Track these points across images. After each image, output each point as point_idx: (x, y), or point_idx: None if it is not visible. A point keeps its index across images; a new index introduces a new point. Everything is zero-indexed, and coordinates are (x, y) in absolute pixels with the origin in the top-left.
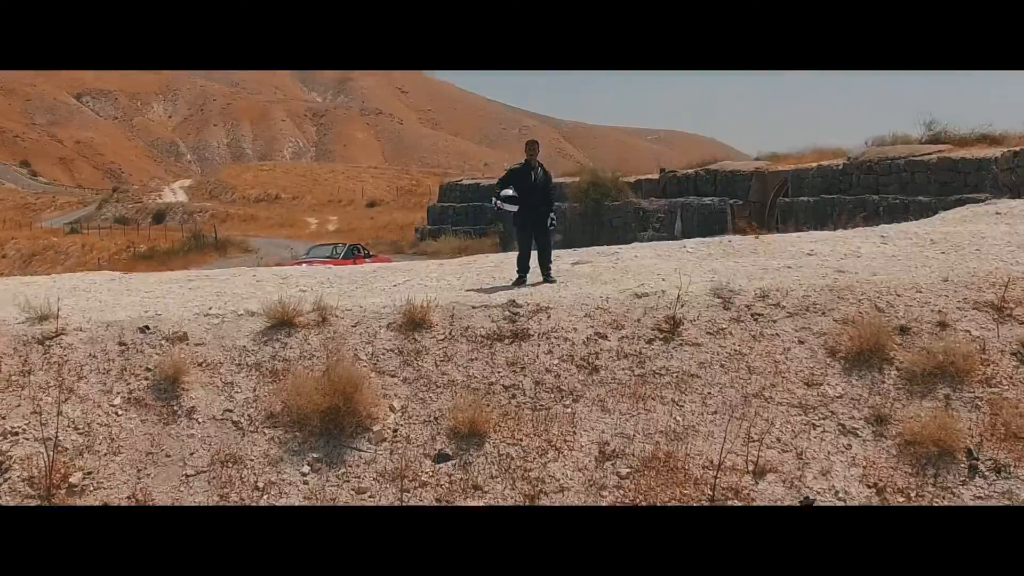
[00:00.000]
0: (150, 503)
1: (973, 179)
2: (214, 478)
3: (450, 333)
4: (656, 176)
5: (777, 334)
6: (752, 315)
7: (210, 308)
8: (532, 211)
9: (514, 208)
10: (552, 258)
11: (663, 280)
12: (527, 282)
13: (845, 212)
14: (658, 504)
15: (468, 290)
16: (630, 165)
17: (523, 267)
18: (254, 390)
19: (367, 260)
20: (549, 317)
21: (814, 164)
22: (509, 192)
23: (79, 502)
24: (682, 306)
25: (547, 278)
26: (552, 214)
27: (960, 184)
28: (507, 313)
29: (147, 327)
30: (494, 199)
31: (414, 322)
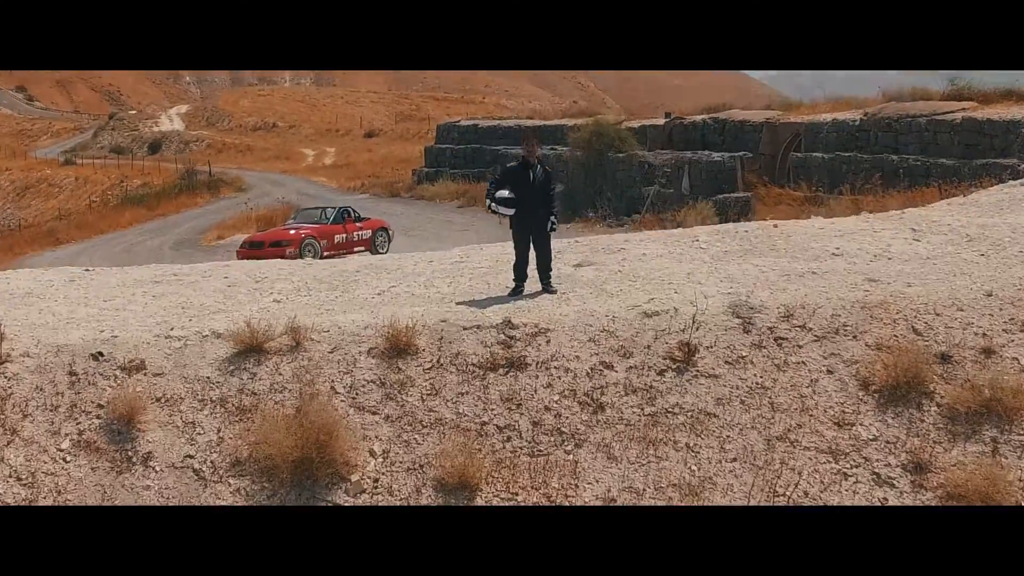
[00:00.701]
0: None
1: (1000, 142)
2: None
3: (438, 360)
4: (661, 122)
5: (803, 362)
6: (775, 339)
7: (172, 328)
8: (530, 215)
9: (510, 212)
10: (553, 262)
11: (675, 292)
12: (524, 292)
13: (862, 172)
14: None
15: (459, 303)
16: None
17: (520, 275)
18: (218, 431)
19: (358, 224)
20: (549, 342)
21: (829, 117)
22: (505, 194)
23: None
24: (697, 328)
25: (547, 288)
26: (553, 218)
27: (986, 147)
28: (502, 337)
29: (101, 353)
30: (488, 201)
31: (398, 348)
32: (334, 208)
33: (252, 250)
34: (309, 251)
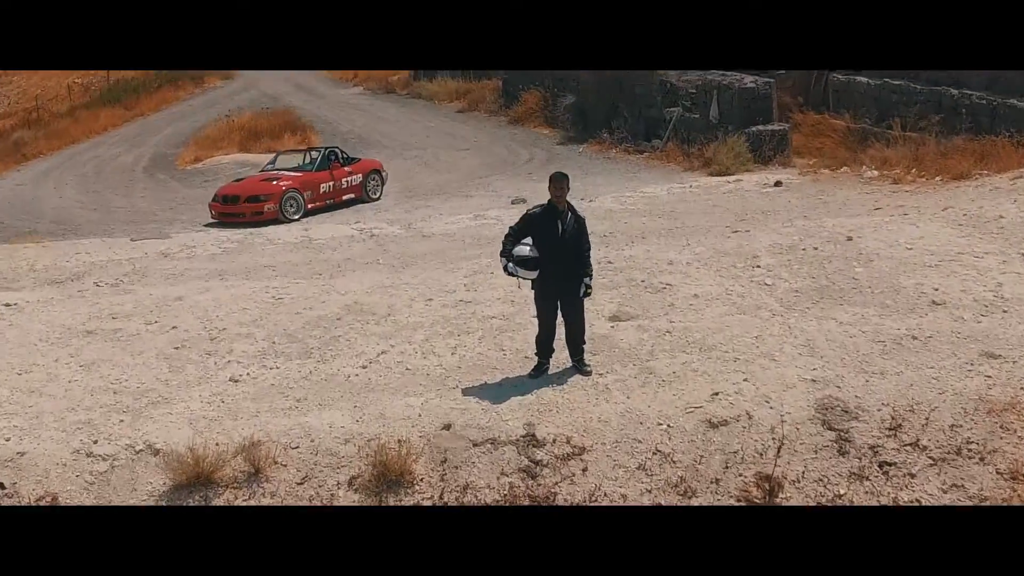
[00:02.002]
0: None
1: None
2: None
3: (441, 495)
4: None
5: (918, 500)
6: (880, 465)
7: (96, 440)
8: (559, 276)
9: (532, 275)
10: (586, 333)
11: (744, 377)
12: (549, 369)
13: (915, 105)
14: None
15: (467, 390)
16: None
17: (545, 351)
18: None
19: (346, 169)
20: (585, 470)
21: None
22: (526, 250)
23: None
24: (779, 447)
25: (579, 366)
26: (587, 279)
27: None
28: (524, 460)
29: (2, 484)
30: (504, 260)
31: (388, 479)
32: (319, 151)
33: (227, 206)
34: (291, 205)
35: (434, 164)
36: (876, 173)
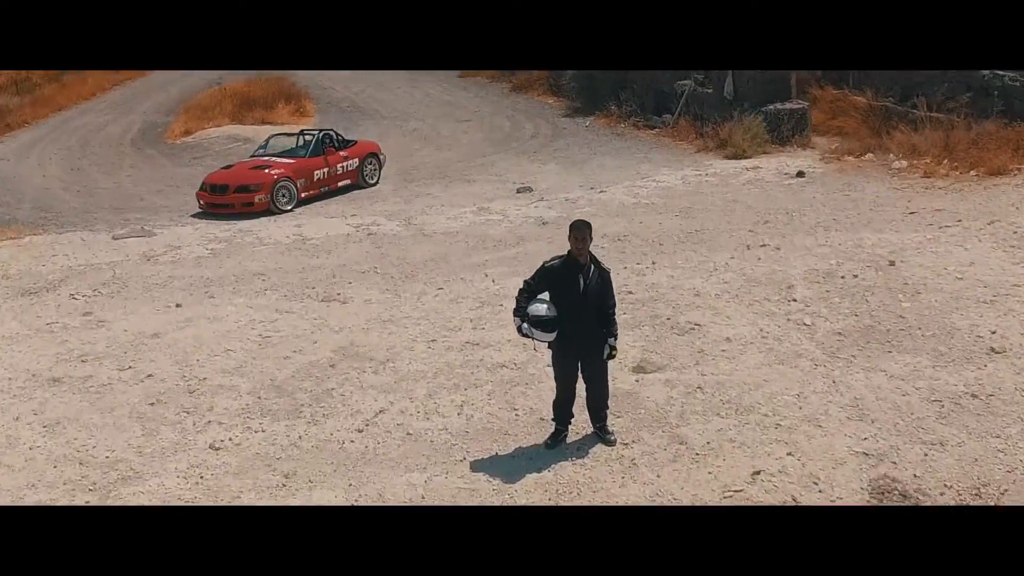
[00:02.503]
0: None
1: None
2: None
3: None
4: None
5: None
6: None
7: None
8: (580, 336)
9: (549, 337)
10: (609, 396)
11: (788, 450)
12: (568, 437)
13: (943, 84)
14: None
15: (476, 464)
16: None
17: (562, 417)
18: None
19: (342, 154)
20: None
21: None
22: (543, 309)
23: None
24: None
25: (601, 434)
26: (612, 340)
27: None
28: None
29: None
30: (518, 319)
31: None
32: (313, 134)
33: (215, 197)
34: (283, 195)
35: (434, 139)
36: (905, 164)
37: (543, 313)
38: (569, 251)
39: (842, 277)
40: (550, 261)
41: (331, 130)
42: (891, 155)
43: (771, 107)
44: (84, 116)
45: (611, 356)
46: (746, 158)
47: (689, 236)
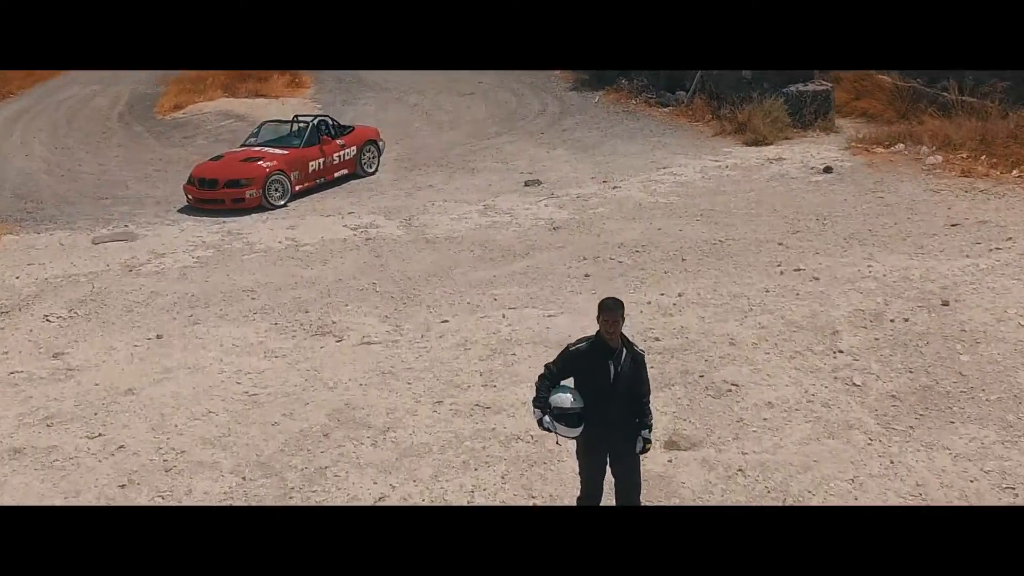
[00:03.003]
0: None
1: None
2: None
3: None
4: None
5: None
6: None
7: None
8: (609, 428)
9: (575, 432)
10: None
11: None
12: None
13: (971, 73)
14: None
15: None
16: None
17: None
18: None
19: (338, 142)
20: None
21: None
22: (568, 400)
23: None
24: None
25: None
26: (646, 431)
27: None
28: None
29: None
30: (538, 411)
31: None
32: (307, 120)
33: (204, 191)
34: (276, 190)
35: (435, 114)
36: (940, 159)
37: (568, 406)
38: (598, 332)
39: (891, 320)
40: (575, 344)
41: (326, 116)
42: (923, 147)
43: (792, 88)
44: (72, 85)
45: (645, 451)
46: (767, 144)
47: (714, 248)
